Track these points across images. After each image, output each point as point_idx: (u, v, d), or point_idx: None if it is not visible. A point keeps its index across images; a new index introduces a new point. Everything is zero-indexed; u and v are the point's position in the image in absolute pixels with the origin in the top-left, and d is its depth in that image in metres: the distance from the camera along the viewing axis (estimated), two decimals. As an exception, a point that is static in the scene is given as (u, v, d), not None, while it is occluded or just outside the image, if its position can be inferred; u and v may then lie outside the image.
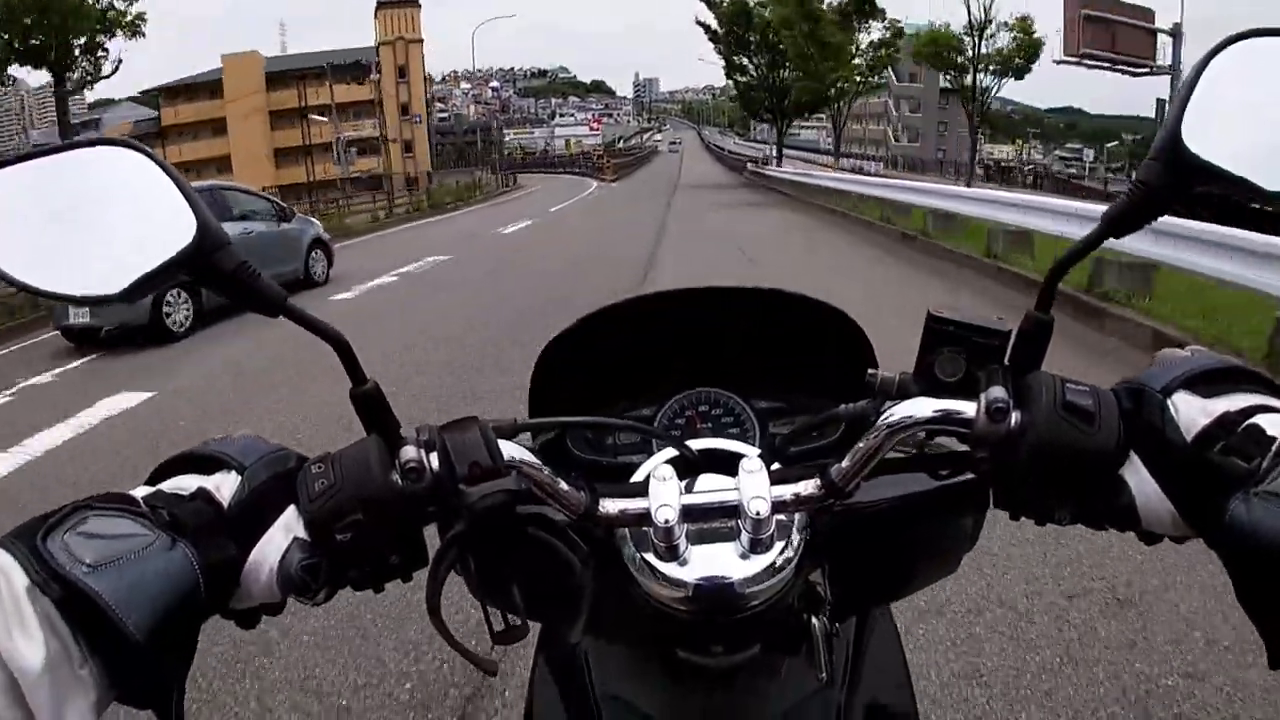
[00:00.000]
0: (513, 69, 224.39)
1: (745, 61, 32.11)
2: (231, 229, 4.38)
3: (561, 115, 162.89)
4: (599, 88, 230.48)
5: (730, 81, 33.51)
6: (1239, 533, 0.34)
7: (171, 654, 0.36)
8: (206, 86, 48.65)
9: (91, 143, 0.41)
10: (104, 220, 0.40)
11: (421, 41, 49.44)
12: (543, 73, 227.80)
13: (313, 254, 9.16)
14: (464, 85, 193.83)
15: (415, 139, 49.59)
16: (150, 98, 52.30)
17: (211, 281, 0.40)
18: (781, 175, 26.72)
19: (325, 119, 36.79)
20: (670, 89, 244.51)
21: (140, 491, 0.40)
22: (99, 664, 0.33)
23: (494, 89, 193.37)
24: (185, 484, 0.41)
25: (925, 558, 0.59)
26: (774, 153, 40.21)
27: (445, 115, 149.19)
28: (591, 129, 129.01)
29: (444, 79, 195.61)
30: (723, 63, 32.15)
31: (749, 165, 37.59)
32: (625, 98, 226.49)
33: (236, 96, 46.56)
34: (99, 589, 0.33)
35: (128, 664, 0.34)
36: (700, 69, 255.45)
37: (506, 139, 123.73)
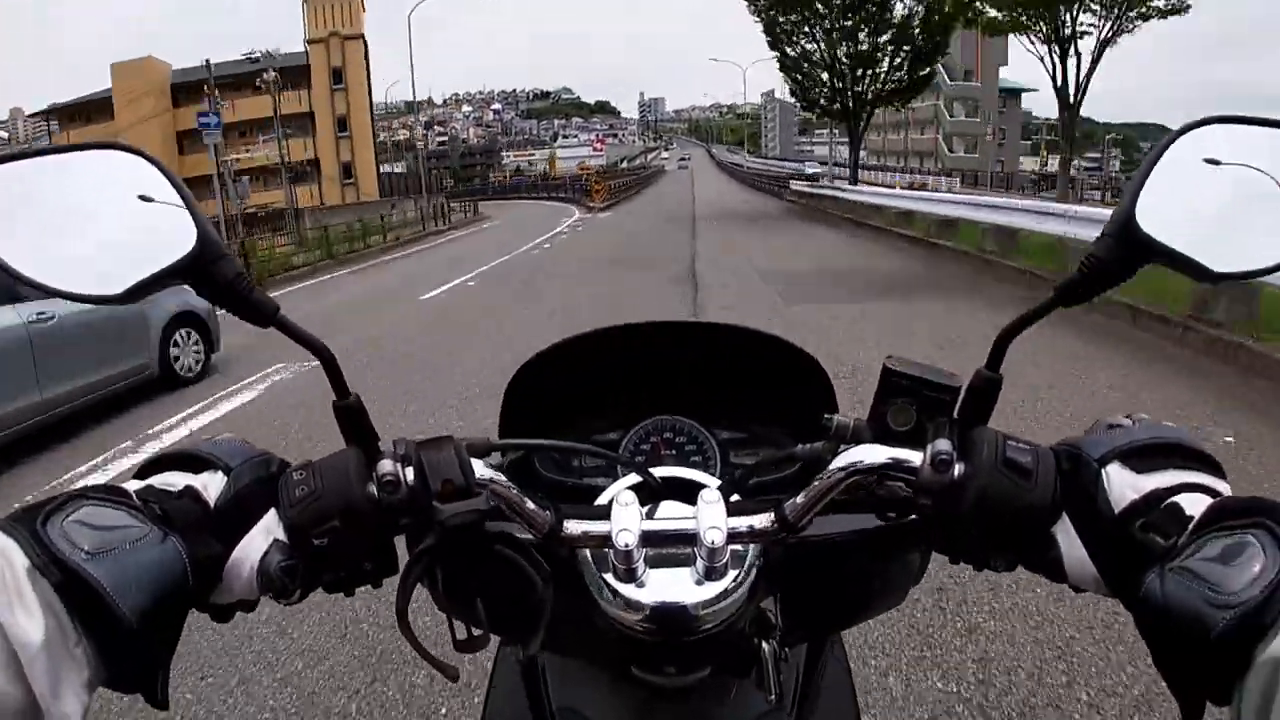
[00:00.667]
0: (514, 91, 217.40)
1: (797, 18, 20.84)
2: (12, 315, 3.98)
3: (565, 136, 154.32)
4: (603, 108, 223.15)
5: (780, 68, 22.15)
6: (1152, 605, 0.36)
7: (160, 641, 0.38)
8: (107, 105, 38.91)
9: (97, 145, 0.42)
10: (106, 222, 0.40)
11: (361, 38, 39.11)
12: (545, 94, 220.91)
13: (176, 335, 5.40)
14: (465, 109, 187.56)
15: (356, 162, 39.11)
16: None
17: (208, 290, 0.42)
18: (869, 200, 15.74)
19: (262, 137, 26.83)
20: (676, 108, 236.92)
21: (132, 485, 0.42)
22: (92, 646, 0.35)
23: (495, 111, 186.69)
24: (174, 480, 0.43)
25: (872, 590, 0.60)
26: (823, 167, 29.28)
27: (444, 139, 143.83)
28: (595, 149, 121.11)
29: (445, 102, 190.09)
30: (762, 26, 21.15)
31: (792, 183, 26.78)
32: (630, 118, 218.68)
33: (128, 114, 36.46)
34: (97, 575, 0.35)
35: (119, 647, 0.36)
36: (708, 84, 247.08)
37: (505, 161, 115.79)
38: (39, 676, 0.32)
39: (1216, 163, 0.40)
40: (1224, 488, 0.40)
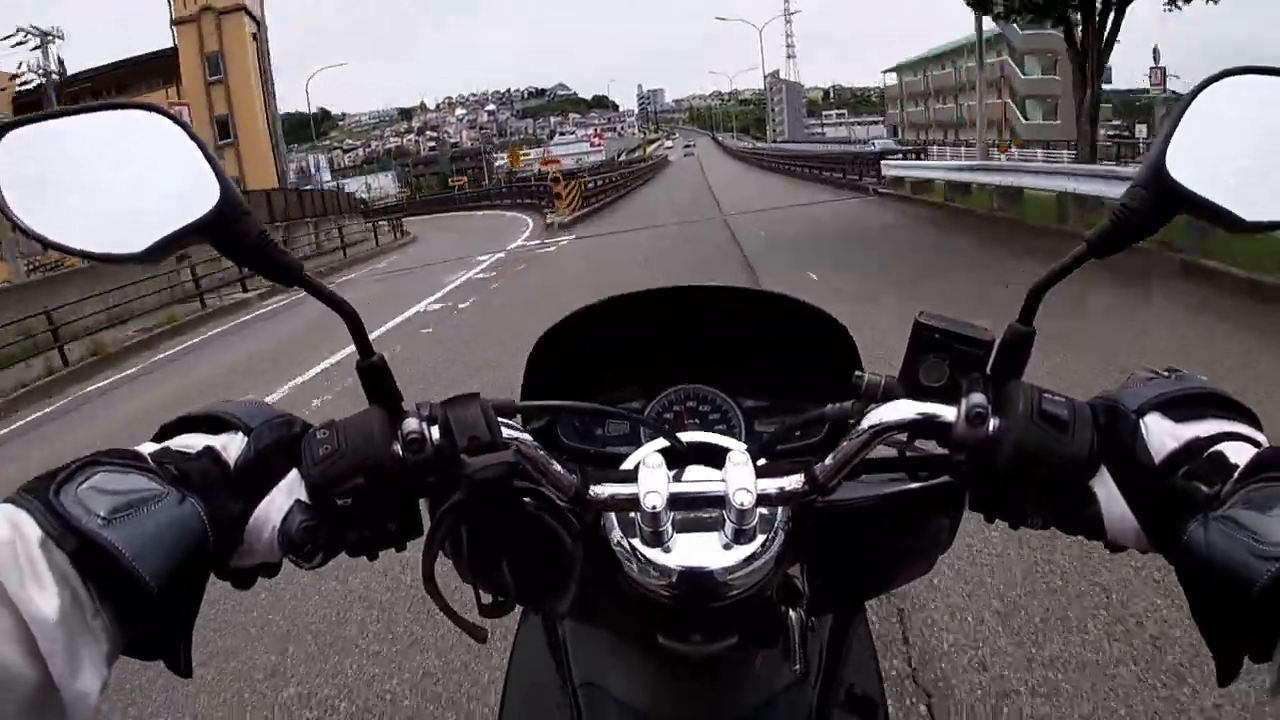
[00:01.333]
0: (509, 90, 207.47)
1: None
2: None
3: (561, 133, 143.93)
4: (601, 103, 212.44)
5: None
6: (1194, 555, 0.35)
7: (181, 605, 0.37)
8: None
9: (118, 105, 0.41)
10: (128, 181, 0.40)
11: (244, 10, 28.69)
12: (540, 92, 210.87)
13: None
14: (459, 112, 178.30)
15: (247, 178, 28.62)
16: None
17: (231, 249, 0.41)
18: None
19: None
20: (676, 98, 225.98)
21: (147, 448, 0.41)
22: (110, 614, 0.34)
23: (490, 112, 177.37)
24: (192, 442, 0.42)
25: (901, 557, 0.59)
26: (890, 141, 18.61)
27: (435, 143, 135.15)
28: (593, 144, 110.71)
29: (438, 106, 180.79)
30: None
31: (885, 167, 15.92)
32: (630, 110, 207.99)
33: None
34: (115, 540, 0.34)
35: (139, 614, 0.35)
36: (711, 65, 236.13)
37: (497, 164, 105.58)
38: (54, 653, 0.31)
39: (1243, 112, 0.40)
40: (1262, 439, 0.40)
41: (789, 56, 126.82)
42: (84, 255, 0.40)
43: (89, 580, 0.33)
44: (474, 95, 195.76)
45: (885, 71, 59.33)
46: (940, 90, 55.25)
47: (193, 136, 0.41)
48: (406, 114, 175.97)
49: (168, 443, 0.42)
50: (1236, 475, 0.36)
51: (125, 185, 0.40)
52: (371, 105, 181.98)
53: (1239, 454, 0.38)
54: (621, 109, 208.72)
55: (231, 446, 0.42)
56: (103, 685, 0.33)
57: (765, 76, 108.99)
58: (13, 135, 0.39)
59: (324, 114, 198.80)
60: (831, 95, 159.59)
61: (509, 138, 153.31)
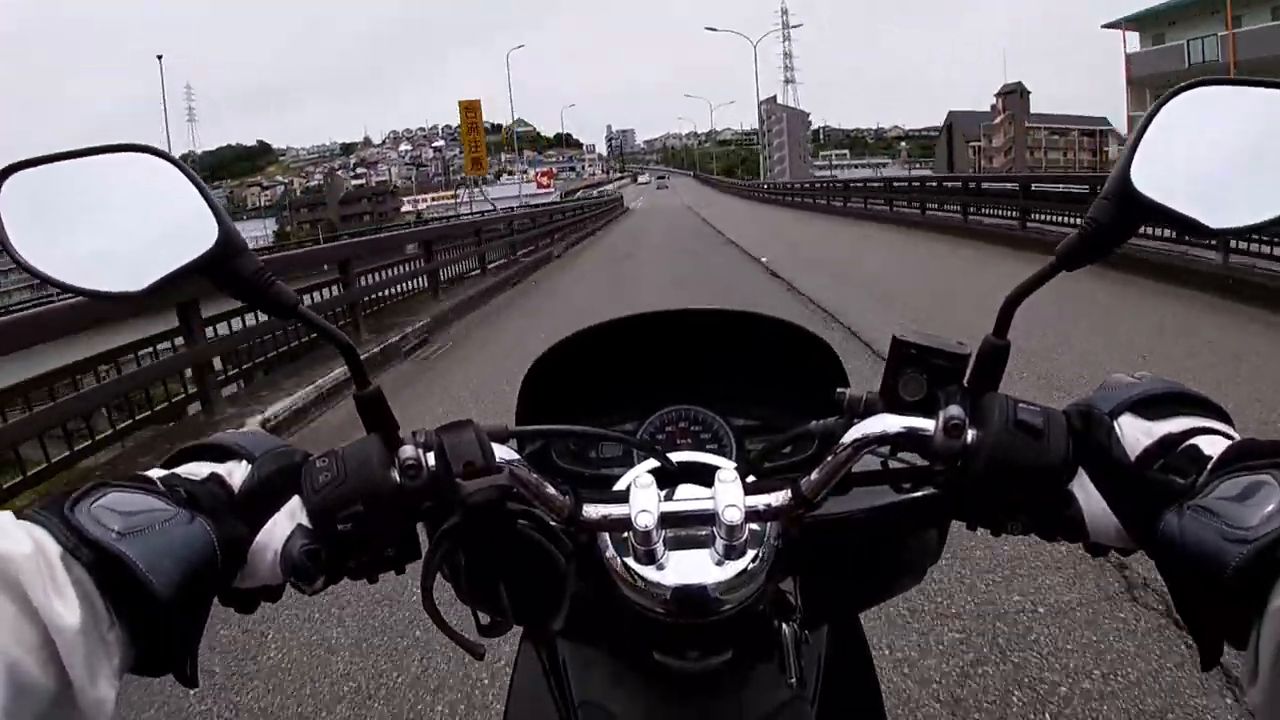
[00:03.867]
0: (457, 125, 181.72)
1: None
2: None
3: (510, 172, 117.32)
4: (564, 140, 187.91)
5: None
6: (1170, 543, 0.36)
7: (189, 619, 0.38)
8: None
9: (118, 148, 0.42)
10: (129, 221, 0.41)
11: None
12: (497, 127, 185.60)
13: None
14: (404, 147, 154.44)
15: None
16: None
17: (230, 285, 0.42)
18: None
19: None
20: (648, 138, 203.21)
21: (155, 473, 0.42)
22: (124, 628, 0.35)
23: (436, 149, 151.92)
24: (198, 469, 0.43)
25: (891, 568, 0.61)
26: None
27: (361, 181, 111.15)
28: (541, 186, 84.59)
29: (384, 141, 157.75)
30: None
31: None
32: (592, 146, 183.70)
33: None
34: (129, 552, 0.35)
35: (152, 627, 0.36)
36: (680, 116, 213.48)
37: (404, 209, 78.76)
38: (75, 662, 0.32)
39: (1206, 124, 0.41)
40: (1234, 433, 0.41)
41: (787, 81, 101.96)
42: (86, 294, 0.40)
43: (105, 593, 0.34)
44: (421, 130, 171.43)
45: (1107, 26, 31.09)
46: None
47: (190, 176, 0.42)
48: (349, 149, 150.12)
49: (175, 469, 0.43)
50: (1210, 466, 0.37)
51: (126, 225, 0.41)
52: (318, 139, 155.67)
53: (1212, 446, 0.38)
54: (585, 146, 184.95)
55: (236, 473, 0.44)
56: (115, 696, 0.34)
57: (760, 103, 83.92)
58: (16, 176, 0.40)
59: (264, 147, 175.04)
60: (822, 136, 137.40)
61: (451, 176, 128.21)
